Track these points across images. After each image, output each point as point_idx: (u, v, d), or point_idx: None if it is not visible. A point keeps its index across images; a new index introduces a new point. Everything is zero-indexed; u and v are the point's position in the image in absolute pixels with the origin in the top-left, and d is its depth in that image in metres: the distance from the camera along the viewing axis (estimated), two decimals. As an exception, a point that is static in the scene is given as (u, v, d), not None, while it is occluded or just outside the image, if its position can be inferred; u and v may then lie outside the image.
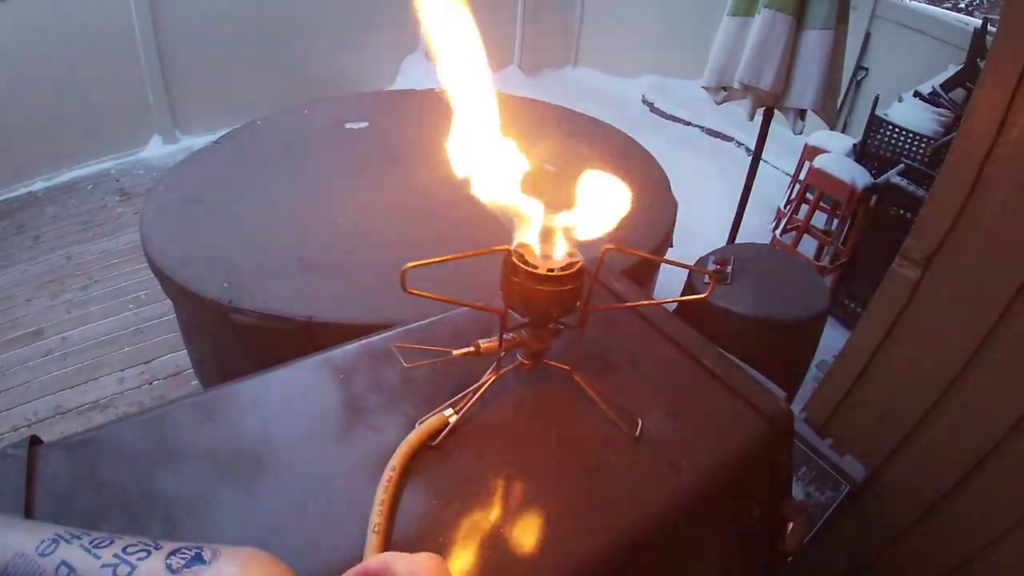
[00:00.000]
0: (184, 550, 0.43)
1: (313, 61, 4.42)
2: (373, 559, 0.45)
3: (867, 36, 4.27)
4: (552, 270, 0.59)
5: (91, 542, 0.43)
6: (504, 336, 0.64)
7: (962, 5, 4.06)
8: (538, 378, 0.70)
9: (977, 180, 1.27)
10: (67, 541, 0.43)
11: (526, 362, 0.68)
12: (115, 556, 0.42)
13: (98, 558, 0.42)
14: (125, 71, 3.78)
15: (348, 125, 2.58)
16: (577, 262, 0.61)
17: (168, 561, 0.42)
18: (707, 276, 0.59)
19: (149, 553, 0.43)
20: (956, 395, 1.39)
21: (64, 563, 0.41)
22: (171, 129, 4.09)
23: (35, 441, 0.63)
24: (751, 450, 0.68)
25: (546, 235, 0.62)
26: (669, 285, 2.51)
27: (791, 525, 0.77)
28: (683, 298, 0.67)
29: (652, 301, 0.71)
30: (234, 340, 1.76)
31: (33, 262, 3.15)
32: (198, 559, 0.42)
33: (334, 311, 1.61)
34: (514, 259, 0.60)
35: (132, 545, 0.43)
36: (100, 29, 3.61)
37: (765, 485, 0.74)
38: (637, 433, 0.66)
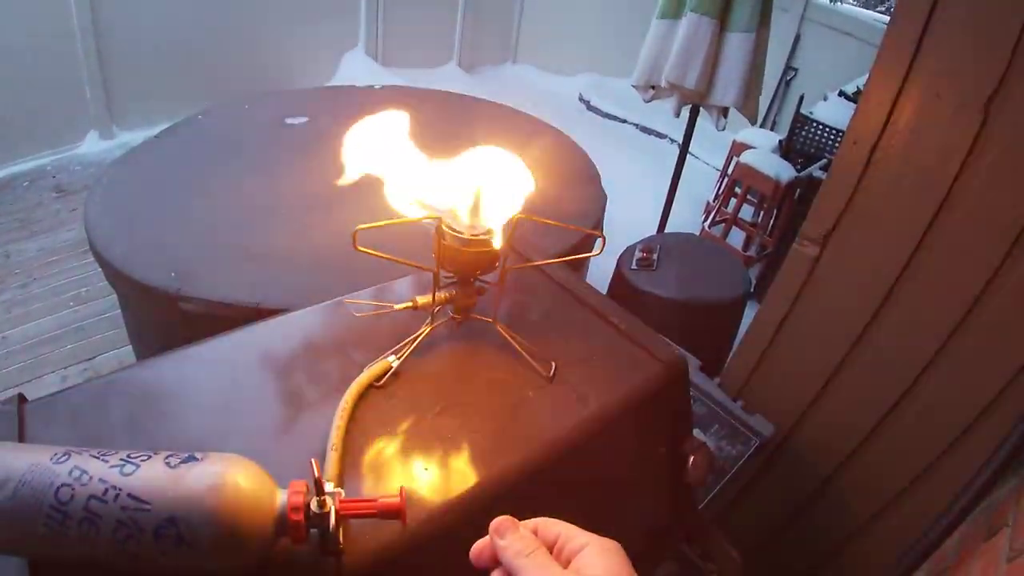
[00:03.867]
0: (179, 453, 0.53)
1: (252, 57, 4.42)
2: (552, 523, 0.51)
3: (797, 38, 4.47)
4: (474, 235, 0.70)
5: (99, 452, 0.52)
6: (436, 293, 0.74)
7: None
8: (467, 330, 0.82)
9: (867, 166, 1.41)
10: (77, 453, 0.52)
11: (456, 316, 0.79)
12: (121, 459, 0.51)
13: (106, 462, 0.51)
14: (62, 65, 3.71)
15: (288, 120, 2.63)
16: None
17: (167, 460, 0.51)
18: (601, 239, 0.70)
19: (150, 457, 0.52)
20: (856, 360, 1.53)
21: (76, 467, 0.50)
22: (108, 124, 4.03)
23: (22, 399, 0.70)
24: (650, 389, 0.80)
25: (472, 208, 0.73)
26: (601, 273, 2.63)
27: (692, 459, 0.89)
28: (575, 256, 0.78)
29: (555, 260, 0.83)
30: (183, 330, 1.80)
31: (-31, 261, 3.11)
32: (192, 458, 0.52)
33: (281, 297, 1.68)
34: (443, 226, 0.71)
35: (134, 453, 0.52)
36: (37, 22, 3.55)
37: (666, 424, 0.86)
38: (551, 374, 0.78)
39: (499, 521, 0.50)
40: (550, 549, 0.49)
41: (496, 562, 0.50)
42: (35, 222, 3.39)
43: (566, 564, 0.48)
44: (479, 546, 0.51)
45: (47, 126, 3.82)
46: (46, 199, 3.57)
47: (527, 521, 0.51)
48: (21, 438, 0.65)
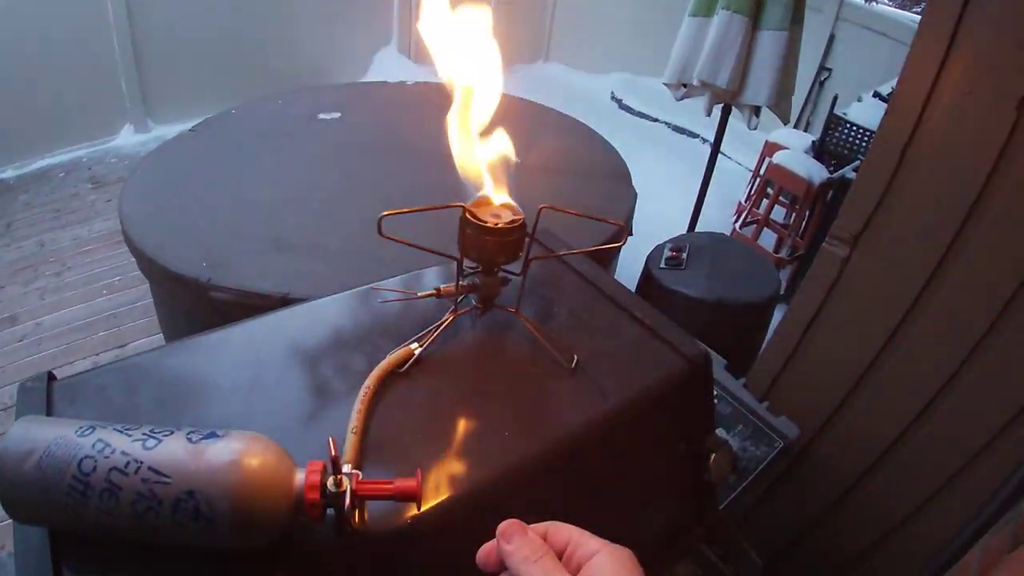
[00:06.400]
0: (201, 430, 0.53)
1: (286, 53, 4.48)
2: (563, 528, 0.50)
3: (831, 38, 4.40)
4: (498, 224, 0.70)
5: (123, 427, 0.53)
6: (460, 282, 0.75)
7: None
8: (489, 320, 0.82)
9: (899, 165, 1.39)
10: (101, 427, 0.53)
11: (479, 306, 0.79)
12: (144, 434, 0.52)
13: (129, 436, 0.52)
14: (98, 59, 3.81)
15: (321, 115, 2.65)
16: (519, 218, 0.72)
17: (188, 436, 0.52)
18: (624, 229, 0.70)
19: (172, 432, 0.53)
20: (884, 364, 1.51)
21: (100, 440, 0.51)
22: (143, 118, 4.12)
23: (51, 377, 0.72)
24: (672, 383, 0.79)
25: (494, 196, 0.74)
26: (630, 272, 2.62)
27: (713, 456, 0.88)
28: (599, 247, 0.78)
29: (579, 251, 0.83)
30: (213, 319, 1.83)
31: (6, 250, 3.18)
32: (213, 435, 0.53)
33: (309, 288, 1.69)
34: (467, 214, 0.71)
35: (157, 428, 0.53)
36: (74, 17, 3.63)
37: (689, 420, 0.85)
38: (573, 365, 0.77)
39: (506, 525, 0.49)
40: (559, 555, 0.48)
41: (503, 566, 0.48)
42: (70, 212, 3.47)
43: (576, 571, 0.47)
44: (486, 549, 0.50)
45: (83, 119, 3.92)
46: (81, 190, 3.65)
47: (536, 525, 0.50)
48: (49, 415, 0.66)
